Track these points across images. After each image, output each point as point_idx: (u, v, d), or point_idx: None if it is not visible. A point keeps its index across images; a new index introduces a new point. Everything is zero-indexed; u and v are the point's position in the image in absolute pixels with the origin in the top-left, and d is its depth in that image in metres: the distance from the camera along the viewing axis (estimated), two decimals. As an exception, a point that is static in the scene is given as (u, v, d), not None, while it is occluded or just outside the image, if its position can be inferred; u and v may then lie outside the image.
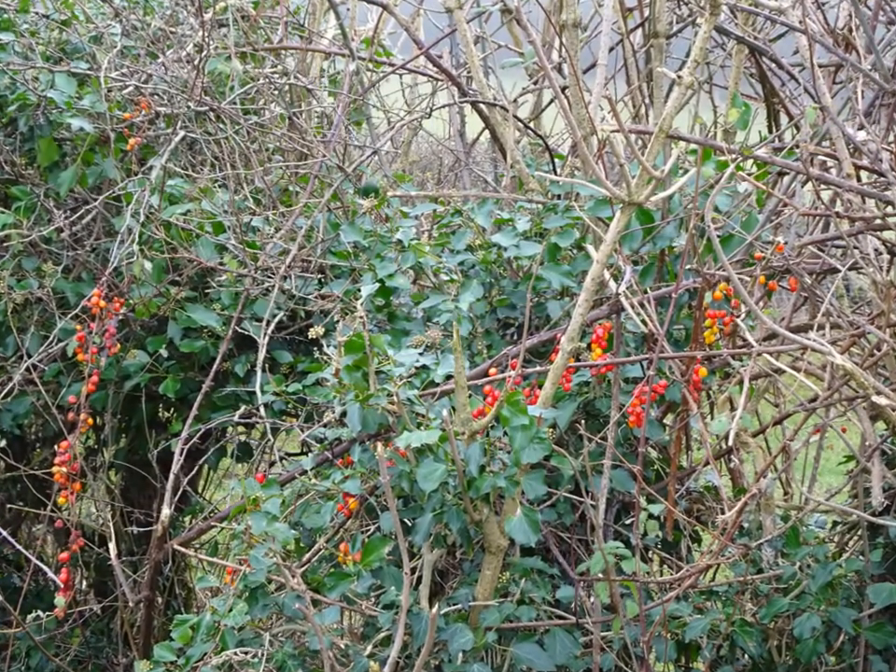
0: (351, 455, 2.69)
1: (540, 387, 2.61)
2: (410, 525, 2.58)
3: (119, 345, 3.13)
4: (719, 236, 2.71)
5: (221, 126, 3.48)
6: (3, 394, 3.16)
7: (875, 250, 2.87)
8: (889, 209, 2.80)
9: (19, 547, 3.22)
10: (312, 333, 2.71)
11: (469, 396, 2.46)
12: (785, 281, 2.83)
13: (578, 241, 3.10)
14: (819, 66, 3.07)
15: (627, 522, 2.98)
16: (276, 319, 3.19)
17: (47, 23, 3.57)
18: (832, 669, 2.88)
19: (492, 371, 2.79)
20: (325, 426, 2.80)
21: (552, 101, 4.34)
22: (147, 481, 3.57)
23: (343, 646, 2.56)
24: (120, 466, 3.67)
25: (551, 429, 2.50)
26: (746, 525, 2.98)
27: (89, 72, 3.37)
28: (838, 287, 2.93)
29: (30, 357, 3.20)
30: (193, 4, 3.64)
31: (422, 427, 2.49)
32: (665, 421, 3.08)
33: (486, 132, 4.02)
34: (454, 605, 2.63)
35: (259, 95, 3.75)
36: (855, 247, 2.75)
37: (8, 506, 3.62)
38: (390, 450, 2.50)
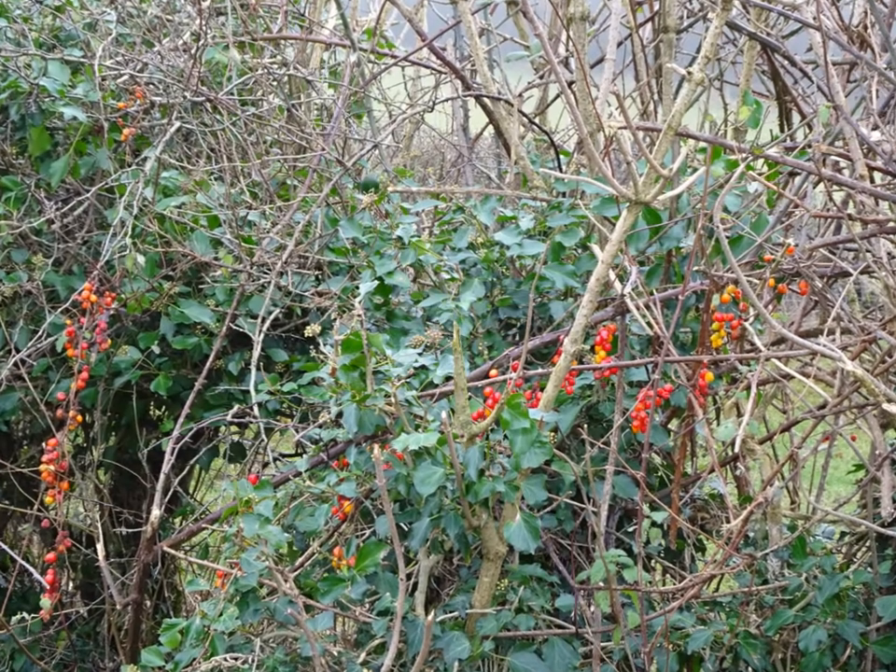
0: (347, 457, 2.68)
1: (542, 390, 2.59)
2: (406, 529, 2.58)
3: (109, 341, 3.12)
4: (728, 237, 2.70)
5: (218, 117, 3.47)
6: (-10, 389, 3.14)
7: (888, 254, 2.86)
8: (903, 211, 2.77)
9: (4, 547, 3.23)
10: (308, 331, 2.73)
11: (469, 398, 2.44)
12: (795, 284, 2.82)
13: (583, 240, 3.09)
14: (833, 64, 3.05)
15: (629, 529, 2.98)
16: (272, 316, 3.18)
17: (40, 9, 3.56)
18: (837, 683, 2.85)
19: (493, 372, 2.78)
20: (320, 426, 2.80)
21: (558, 96, 4.33)
22: (136, 480, 3.57)
23: (335, 653, 2.56)
24: (110, 465, 3.66)
25: (552, 433, 2.49)
26: (751, 534, 2.99)
27: (82, 60, 3.34)
28: (849, 291, 2.92)
29: (18, 351, 3.18)
30: (191, -8, 3.62)
31: (420, 430, 2.47)
32: (669, 426, 3.08)
33: (490, 127, 3.99)
34: (450, 612, 2.62)
35: (258, 86, 3.73)
36: (867, 250, 2.73)
37: (-6, 504, 3.58)
38: (387, 452, 2.49)
